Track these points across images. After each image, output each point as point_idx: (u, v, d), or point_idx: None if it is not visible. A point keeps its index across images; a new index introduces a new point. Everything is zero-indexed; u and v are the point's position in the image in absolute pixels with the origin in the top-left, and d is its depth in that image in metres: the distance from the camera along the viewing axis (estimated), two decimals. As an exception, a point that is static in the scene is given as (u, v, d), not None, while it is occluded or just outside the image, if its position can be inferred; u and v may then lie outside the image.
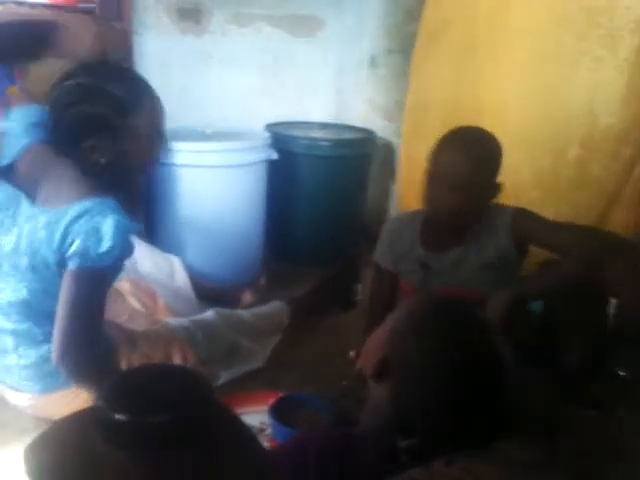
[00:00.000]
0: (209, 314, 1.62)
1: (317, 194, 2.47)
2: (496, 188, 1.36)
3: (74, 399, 1.30)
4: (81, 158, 1.20)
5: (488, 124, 1.41)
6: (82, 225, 1.11)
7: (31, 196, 1.21)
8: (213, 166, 2.09)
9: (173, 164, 2.06)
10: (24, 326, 1.24)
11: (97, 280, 1.16)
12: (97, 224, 1.11)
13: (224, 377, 1.55)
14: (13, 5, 1.63)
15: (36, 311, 1.22)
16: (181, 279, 1.85)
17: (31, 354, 1.26)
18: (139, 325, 1.51)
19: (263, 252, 2.38)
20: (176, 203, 2.12)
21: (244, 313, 1.71)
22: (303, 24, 2.70)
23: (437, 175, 1.34)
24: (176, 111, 2.41)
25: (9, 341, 1.27)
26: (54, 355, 1.17)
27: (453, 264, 1.42)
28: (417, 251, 1.47)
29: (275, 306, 1.80)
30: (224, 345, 1.57)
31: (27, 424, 1.38)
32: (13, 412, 1.40)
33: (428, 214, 1.45)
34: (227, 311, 1.68)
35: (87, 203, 1.14)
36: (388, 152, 2.69)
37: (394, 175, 2.72)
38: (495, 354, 0.85)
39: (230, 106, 2.57)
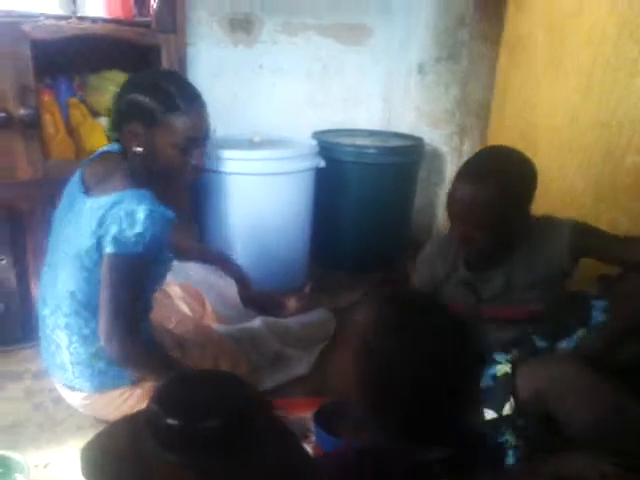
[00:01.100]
0: (256, 322, 1.64)
1: (364, 202, 2.46)
2: (526, 212, 1.30)
3: (125, 399, 1.35)
4: (123, 143, 1.28)
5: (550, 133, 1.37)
6: (118, 211, 1.18)
7: (89, 191, 1.28)
8: (261, 174, 2.12)
9: (222, 172, 2.11)
10: (73, 321, 1.29)
11: (132, 266, 1.20)
12: (131, 210, 1.18)
13: (269, 384, 1.56)
14: (75, 20, 1.70)
15: (82, 304, 1.27)
16: (228, 285, 1.88)
17: (82, 351, 1.31)
18: (188, 330, 1.54)
19: (309, 259, 2.39)
20: (225, 210, 2.16)
21: (290, 322, 1.72)
22: (352, 33, 2.71)
23: (455, 215, 1.28)
24: (226, 119, 2.48)
25: (63, 336, 1.32)
26: (102, 339, 1.21)
27: (500, 283, 1.37)
28: (461, 272, 1.41)
29: (321, 314, 1.81)
30: (270, 353, 1.58)
31: (82, 422, 1.43)
32: (69, 410, 1.46)
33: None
34: (273, 320, 1.69)
35: (125, 192, 1.21)
36: (436, 160, 2.66)
37: (442, 183, 2.69)
38: (474, 347, 0.82)
39: (279, 114, 2.60)
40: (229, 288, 1.82)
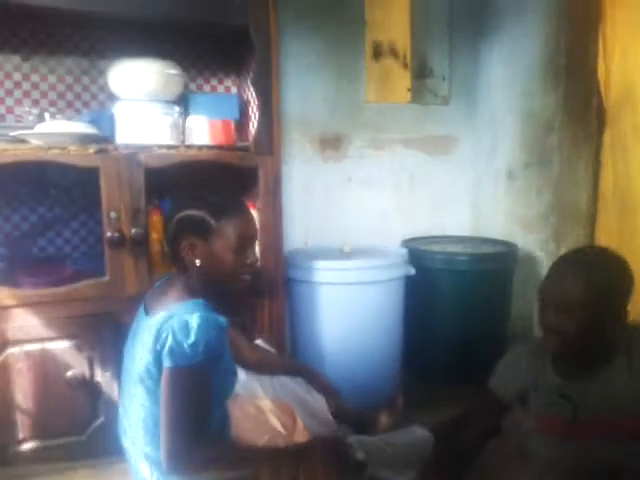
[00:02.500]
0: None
1: (456, 309, 2.39)
2: (620, 313, 1.27)
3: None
4: (180, 259, 1.31)
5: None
6: (173, 323, 1.19)
7: (149, 311, 1.33)
8: (352, 283, 2.14)
9: (313, 282, 2.14)
10: (150, 450, 1.27)
11: (190, 378, 1.18)
12: (185, 320, 1.18)
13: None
14: (183, 148, 1.88)
15: (154, 431, 1.24)
16: (317, 398, 1.83)
17: None
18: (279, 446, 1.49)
19: (400, 370, 2.31)
20: (315, 319, 2.17)
21: (384, 441, 1.62)
22: (437, 144, 2.79)
23: (544, 296, 1.31)
24: (317, 230, 2.57)
25: (145, 468, 1.29)
26: (163, 463, 1.17)
27: (599, 393, 1.28)
28: (552, 380, 1.35)
29: (416, 432, 1.69)
30: (365, 476, 1.49)
31: None
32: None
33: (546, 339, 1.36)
34: (366, 440, 1.60)
35: (179, 304, 1.24)
36: (532, 265, 2.56)
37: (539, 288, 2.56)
38: None
39: (368, 224, 2.67)
40: (318, 403, 1.77)
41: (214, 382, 1.24)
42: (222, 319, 1.25)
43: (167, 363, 1.18)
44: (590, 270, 1.25)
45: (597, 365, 1.30)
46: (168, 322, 1.20)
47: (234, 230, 1.30)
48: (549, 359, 1.38)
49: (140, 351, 1.26)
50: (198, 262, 1.30)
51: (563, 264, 1.33)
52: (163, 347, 1.18)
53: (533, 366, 1.40)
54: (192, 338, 1.17)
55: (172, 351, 1.17)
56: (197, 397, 1.20)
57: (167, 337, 1.18)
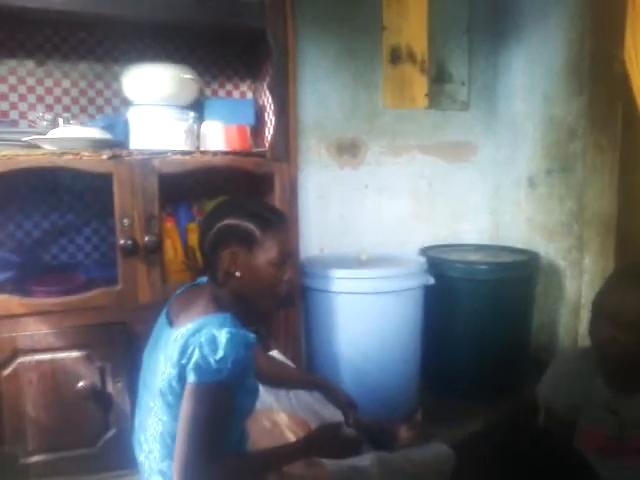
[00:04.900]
0: (367, 459, 1.50)
1: (476, 320, 2.32)
2: None
3: None
4: (217, 269, 1.26)
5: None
6: (200, 337, 1.14)
7: (173, 323, 1.28)
8: (368, 292, 2.08)
9: (330, 291, 2.09)
10: (166, 466, 1.22)
11: (214, 395, 1.13)
12: (213, 335, 1.13)
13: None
14: (198, 154, 1.84)
15: (170, 447, 1.20)
16: (334, 413, 1.77)
17: None
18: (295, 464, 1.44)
19: (419, 383, 2.24)
20: (331, 329, 2.12)
21: (404, 459, 1.56)
22: (456, 150, 2.73)
23: (601, 309, 1.26)
24: (333, 238, 2.53)
25: None
26: (175, 473, 1.12)
27: None
28: (602, 394, 1.30)
29: (437, 448, 1.63)
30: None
31: None
32: None
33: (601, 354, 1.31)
34: (386, 457, 1.54)
35: (207, 318, 1.19)
36: (554, 275, 2.49)
37: (562, 299, 2.49)
38: None
39: (385, 232, 2.61)
40: (335, 417, 1.71)
41: (237, 400, 1.19)
42: (251, 335, 1.20)
43: (191, 378, 1.13)
44: None
45: None
46: (195, 336, 1.15)
47: (277, 243, 1.27)
48: (599, 371, 1.33)
49: (163, 364, 1.21)
50: (238, 273, 1.26)
51: (622, 276, 1.29)
52: (189, 362, 1.14)
53: (584, 379, 1.35)
54: (220, 354, 1.12)
55: (197, 366, 1.12)
56: (218, 415, 1.15)
57: (194, 351, 1.13)
